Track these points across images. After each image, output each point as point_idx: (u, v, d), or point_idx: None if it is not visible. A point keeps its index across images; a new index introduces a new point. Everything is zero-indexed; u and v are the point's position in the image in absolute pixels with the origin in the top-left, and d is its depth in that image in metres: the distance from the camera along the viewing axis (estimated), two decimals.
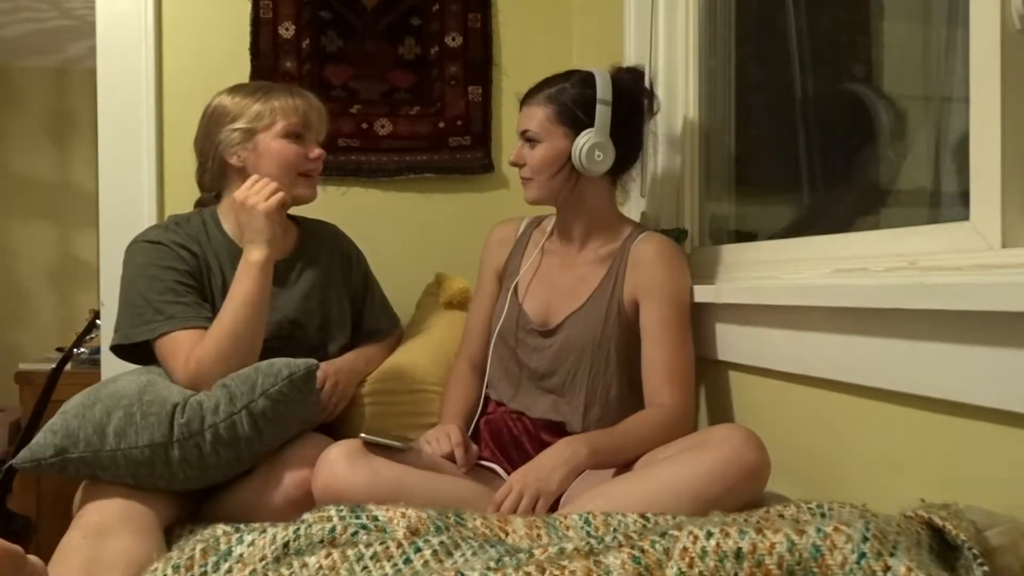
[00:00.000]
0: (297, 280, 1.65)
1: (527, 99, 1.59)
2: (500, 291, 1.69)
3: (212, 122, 1.60)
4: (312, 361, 1.38)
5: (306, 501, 1.28)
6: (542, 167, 1.55)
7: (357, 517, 1.05)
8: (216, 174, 1.61)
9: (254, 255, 1.47)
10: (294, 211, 1.69)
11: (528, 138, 1.56)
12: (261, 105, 1.58)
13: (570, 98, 1.54)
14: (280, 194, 1.50)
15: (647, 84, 1.66)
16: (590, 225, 1.61)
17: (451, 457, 1.45)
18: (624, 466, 1.39)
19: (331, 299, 1.69)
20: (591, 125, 1.52)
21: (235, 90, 1.63)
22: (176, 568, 0.99)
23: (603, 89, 1.53)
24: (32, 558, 1.02)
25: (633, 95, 1.60)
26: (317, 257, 1.70)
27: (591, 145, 1.51)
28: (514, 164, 1.60)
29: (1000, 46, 1.00)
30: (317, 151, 1.61)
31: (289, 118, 1.58)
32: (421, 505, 1.12)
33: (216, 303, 1.51)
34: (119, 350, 1.53)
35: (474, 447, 1.52)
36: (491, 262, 1.73)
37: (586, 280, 1.58)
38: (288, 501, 1.31)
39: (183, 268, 1.51)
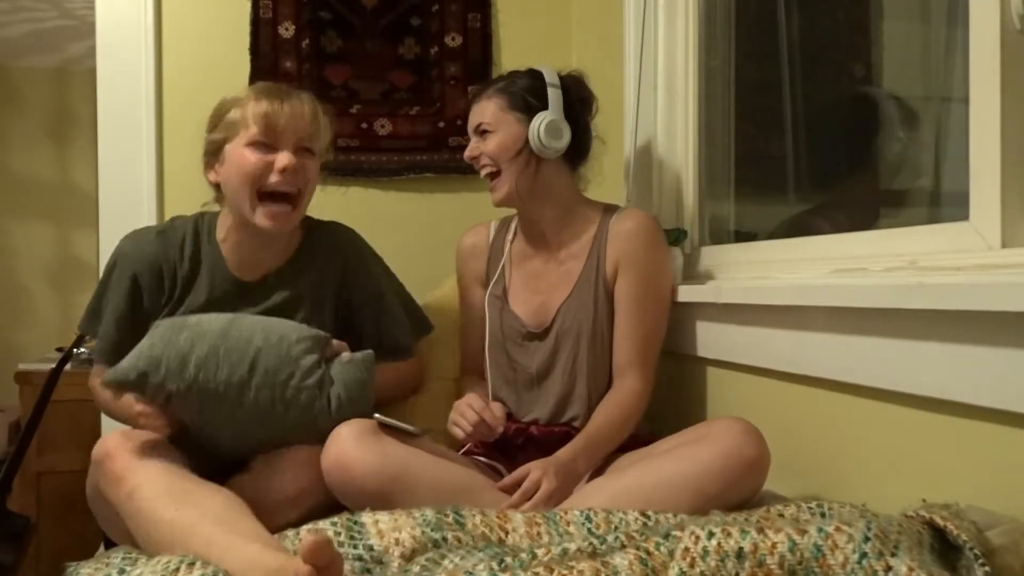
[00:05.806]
0: (274, 295, 1.54)
1: (476, 97, 1.61)
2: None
3: (208, 127, 1.53)
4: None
5: (305, 498, 1.29)
6: (499, 152, 1.55)
7: (355, 547, 1.02)
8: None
9: None
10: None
11: (481, 131, 1.57)
12: (237, 111, 1.45)
13: (520, 88, 1.56)
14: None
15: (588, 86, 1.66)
16: (560, 214, 1.60)
17: (480, 428, 1.40)
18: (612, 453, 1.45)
19: (314, 313, 1.56)
20: (544, 109, 1.54)
21: (236, 94, 1.52)
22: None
23: (551, 77, 1.57)
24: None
25: (579, 90, 1.62)
26: (308, 270, 1.58)
27: (548, 122, 1.53)
28: (470, 159, 1.61)
29: (1000, 46, 1.00)
30: (283, 161, 1.42)
31: (249, 127, 1.43)
32: (427, 488, 1.16)
33: (179, 305, 1.51)
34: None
35: (499, 406, 1.53)
36: (470, 274, 1.71)
37: (570, 270, 1.58)
38: (288, 499, 1.30)
39: (126, 304, 1.51)
